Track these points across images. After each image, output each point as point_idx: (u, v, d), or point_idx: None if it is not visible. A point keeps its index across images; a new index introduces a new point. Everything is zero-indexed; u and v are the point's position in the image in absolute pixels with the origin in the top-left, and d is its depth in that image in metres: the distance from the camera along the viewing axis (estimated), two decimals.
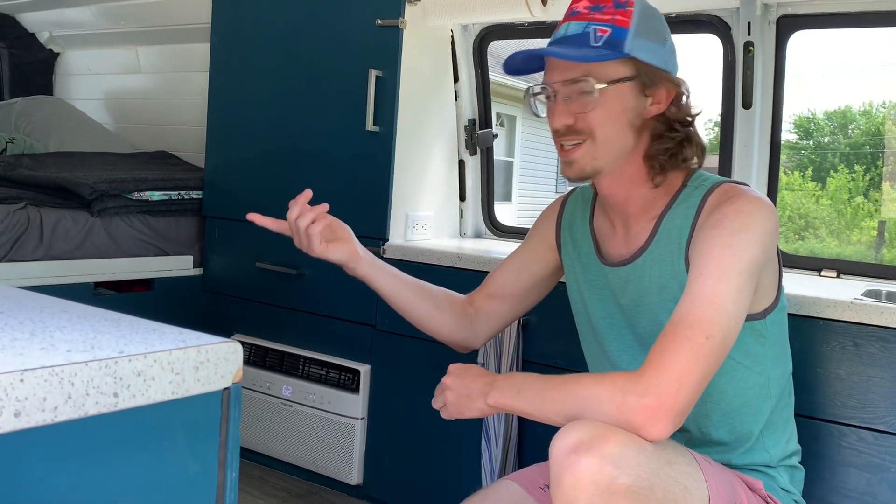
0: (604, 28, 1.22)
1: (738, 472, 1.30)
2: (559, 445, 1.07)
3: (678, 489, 1.10)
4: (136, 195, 2.44)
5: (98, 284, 2.38)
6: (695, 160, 1.30)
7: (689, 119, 1.29)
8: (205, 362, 0.76)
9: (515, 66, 1.30)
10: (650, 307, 1.30)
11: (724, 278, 1.14)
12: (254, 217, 1.47)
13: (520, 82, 8.62)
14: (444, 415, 1.29)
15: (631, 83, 1.24)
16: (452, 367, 1.30)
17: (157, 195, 2.50)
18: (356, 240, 1.50)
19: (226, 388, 0.78)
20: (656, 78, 1.25)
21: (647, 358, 1.12)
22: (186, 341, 0.76)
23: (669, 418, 1.07)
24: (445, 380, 1.28)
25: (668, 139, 1.27)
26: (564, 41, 1.25)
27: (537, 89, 1.31)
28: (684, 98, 1.28)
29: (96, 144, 3.09)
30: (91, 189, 2.32)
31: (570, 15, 1.27)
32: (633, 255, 1.32)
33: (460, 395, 1.25)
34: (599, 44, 1.22)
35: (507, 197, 9.79)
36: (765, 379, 1.30)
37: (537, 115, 1.34)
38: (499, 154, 9.53)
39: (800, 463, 1.39)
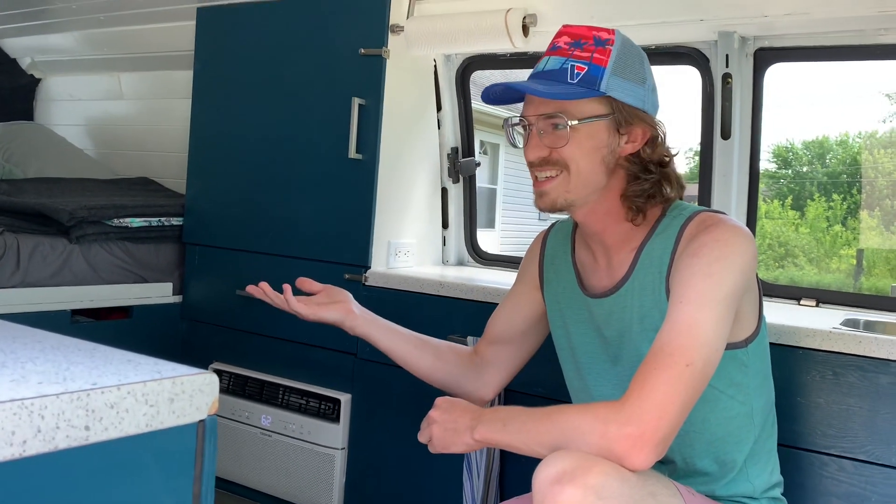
0: (581, 65, 1.24)
1: (722, 503, 1.30)
2: (542, 476, 1.07)
3: None
4: (115, 222, 2.43)
5: (75, 312, 2.35)
6: (673, 196, 1.31)
7: (666, 160, 1.30)
8: (180, 394, 0.75)
9: (495, 97, 1.32)
10: (632, 338, 1.30)
11: (705, 306, 1.15)
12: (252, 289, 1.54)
13: (503, 111, 8.70)
14: (431, 449, 1.29)
15: (605, 121, 1.25)
16: (439, 401, 1.29)
17: (137, 222, 2.48)
18: (353, 300, 1.53)
19: (201, 421, 0.77)
20: (631, 117, 1.26)
21: (629, 387, 1.12)
22: (162, 372, 0.75)
23: (652, 447, 1.07)
24: (432, 413, 1.28)
25: (644, 181, 1.27)
26: (543, 76, 1.28)
27: (515, 121, 1.34)
28: (660, 139, 1.30)
29: (77, 170, 3.07)
30: (70, 216, 2.30)
31: (552, 49, 1.30)
32: (615, 286, 1.33)
33: (447, 429, 1.25)
34: (575, 81, 1.24)
35: (491, 224, 9.84)
36: (748, 408, 1.30)
37: (515, 146, 1.37)
38: (482, 181, 9.59)
39: (782, 494, 1.39)
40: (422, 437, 1.29)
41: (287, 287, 1.49)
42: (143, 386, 0.71)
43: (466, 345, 1.65)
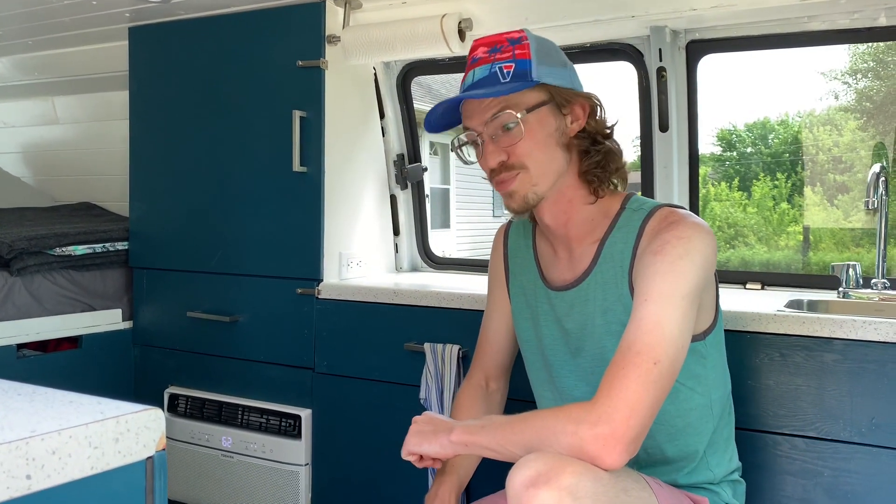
0: (508, 64, 1.28)
1: (685, 490, 1.32)
2: (517, 480, 1.08)
3: None
4: (58, 251, 2.37)
5: (21, 346, 2.29)
6: (622, 171, 1.34)
7: (608, 130, 1.34)
8: (125, 433, 0.74)
9: (436, 122, 1.35)
10: (594, 331, 1.32)
11: (669, 304, 1.16)
12: None
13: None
14: (404, 450, 1.29)
15: (547, 107, 1.29)
16: (424, 414, 1.32)
17: (80, 249, 2.42)
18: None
19: (149, 458, 0.76)
20: (568, 97, 1.31)
21: (600, 387, 1.13)
22: (105, 412, 0.74)
23: (623, 446, 1.09)
24: (415, 417, 1.31)
25: (595, 152, 1.31)
26: (476, 85, 1.30)
27: (464, 138, 1.35)
28: (599, 111, 1.34)
29: (14, 199, 2.99)
30: (9, 248, 2.24)
31: (473, 62, 1.33)
32: (577, 280, 1.34)
33: (424, 430, 1.26)
34: (508, 79, 1.27)
35: (446, 224, 9.84)
36: (707, 400, 1.33)
37: (467, 163, 1.38)
38: (435, 182, 9.59)
39: (741, 477, 1.42)
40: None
41: None
42: (85, 428, 0.70)
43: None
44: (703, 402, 1.32)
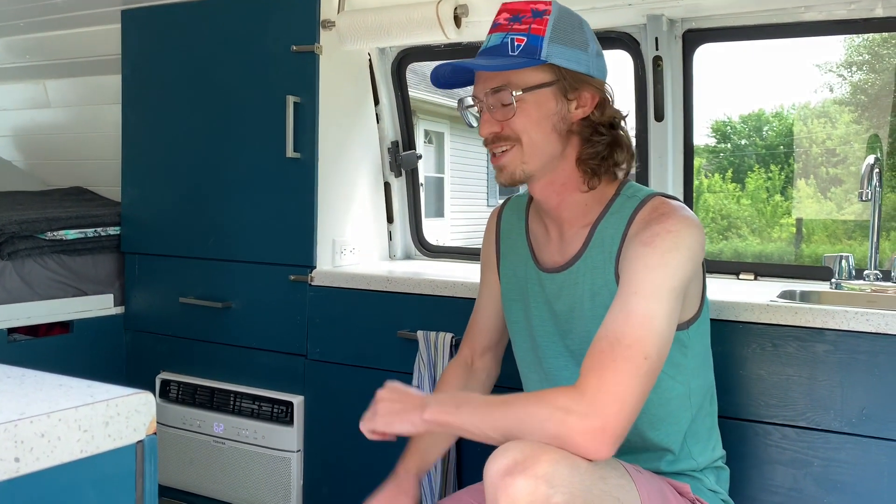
0: (520, 37, 1.26)
1: (667, 477, 1.33)
2: (493, 468, 1.08)
3: (612, 502, 1.12)
4: (49, 235, 2.35)
5: (12, 330, 2.28)
6: (624, 165, 1.32)
7: (615, 122, 1.31)
8: (115, 416, 0.73)
9: (444, 80, 1.34)
10: (583, 314, 1.32)
11: (658, 297, 1.16)
12: None
13: (448, 99, 8.69)
14: (363, 427, 1.23)
15: (551, 88, 1.27)
16: (389, 383, 1.27)
17: (71, 234, 2.41)
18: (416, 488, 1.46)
19: (139, 442, 0.75)
20: (578, 82, 1.27)
21: (585, 376, 1.12)
22: (94, 396, 0.73)
23: (612, 440, 1.09)
24: (380, 392, 1.25)
25: (596, 143, 1.29)
26: (486, 52, 1.30)
27: (469, 101, 1.35)
28: (609, 102, 1.31)
29: (5, 183, 2.97)
30: (0, 232, 2.23)
31: (493, 27, 1.31)
32: (567, 263, 1.34)
33: (393, 408, 1.21)
34: (517, 53, 1.26)
35: (440, 213, 9.83)
36: (686, 389, 1.33)
37: (470, 126, 1.38)
38: (429, 170, 9.57)
39: (725, 464, 1.42)
40: (363, 421, 1.24)
41: None
42: (74, 412, 0.70)
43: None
44: (682, 392, 1.32)
